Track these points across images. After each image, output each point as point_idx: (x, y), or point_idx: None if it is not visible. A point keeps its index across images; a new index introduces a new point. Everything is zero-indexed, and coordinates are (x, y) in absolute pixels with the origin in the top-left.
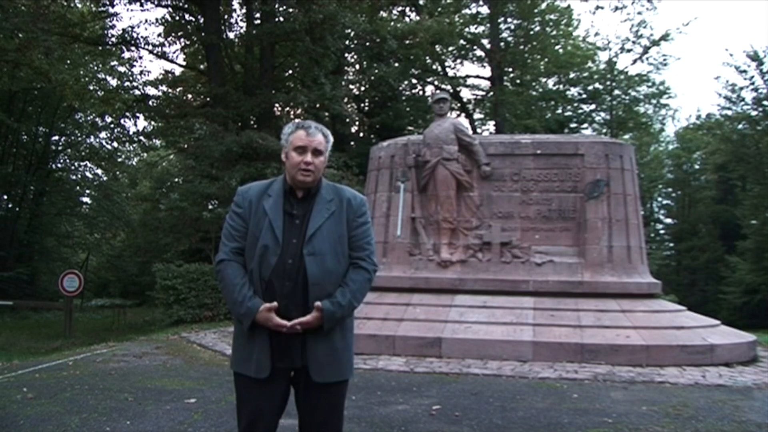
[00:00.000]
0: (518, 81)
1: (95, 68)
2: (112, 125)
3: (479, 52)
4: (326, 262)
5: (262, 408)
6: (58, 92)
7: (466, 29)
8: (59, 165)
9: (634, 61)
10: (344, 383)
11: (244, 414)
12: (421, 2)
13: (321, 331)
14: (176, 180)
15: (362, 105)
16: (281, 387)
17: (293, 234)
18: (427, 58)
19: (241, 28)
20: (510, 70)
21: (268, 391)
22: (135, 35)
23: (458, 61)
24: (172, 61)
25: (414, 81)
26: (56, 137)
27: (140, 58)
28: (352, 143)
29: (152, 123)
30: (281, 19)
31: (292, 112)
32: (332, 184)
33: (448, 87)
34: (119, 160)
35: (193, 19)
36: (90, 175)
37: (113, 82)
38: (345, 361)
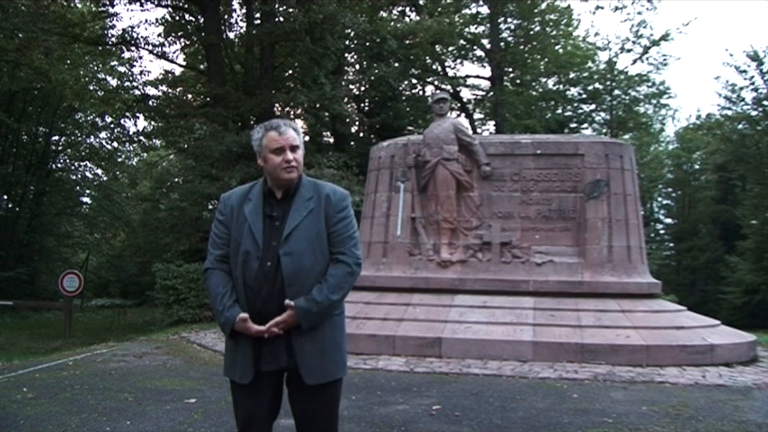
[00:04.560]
0: (518, 81)
1: (95, 68)
2: (112, 125)
3: (479, 52)
4: (302, 261)
5: (253, 412)
6: (58, 92)
7: (466, 29)
8: (59, 165)
9: (634, 61)
10: (338, 383)
11: (238, 417)
12: (421, 2)
13: (306, 331)
14: (176, 180)
15: (362, 105)
16: (269, 391)
17: (273, 236)
18: (427, 58)
19: (241, 28)
20: (510, 70)
21: (255, 396)
22: (135, 35)
23: (458, 61)
24: (172, 61)
25: (414, 81)
26: (56, 137)
27: (140, 58)
28: (352, 143)
29: (152, 123)
30: (281, 19)
31: (292, 112)
32: (313, 181)
33: (448, 87)
34: (119, 160)
35: (193, 19)
36: (90, 175)
37: (113, 82)
38: (337, 360)
